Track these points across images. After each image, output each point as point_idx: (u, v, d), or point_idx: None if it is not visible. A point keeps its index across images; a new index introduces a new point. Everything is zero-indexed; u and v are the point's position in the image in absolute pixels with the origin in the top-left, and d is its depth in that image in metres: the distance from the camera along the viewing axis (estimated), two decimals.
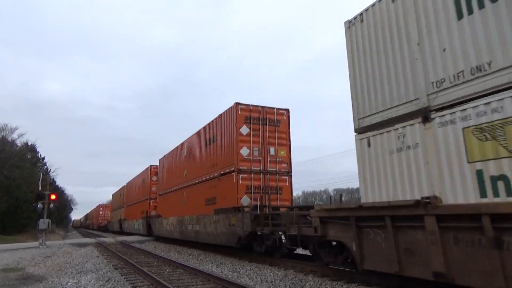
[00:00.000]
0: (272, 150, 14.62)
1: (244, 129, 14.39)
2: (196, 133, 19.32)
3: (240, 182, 13.91)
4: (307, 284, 8.26)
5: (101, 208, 66.89)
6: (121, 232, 40.00)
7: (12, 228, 37.93)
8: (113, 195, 54.09)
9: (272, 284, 8.43)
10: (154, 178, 29.04)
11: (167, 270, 11.12)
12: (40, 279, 10.24)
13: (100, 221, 64.76)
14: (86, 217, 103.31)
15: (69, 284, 9.21)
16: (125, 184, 41.65)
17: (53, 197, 24.74)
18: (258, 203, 12.90)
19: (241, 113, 14.51)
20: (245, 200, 13.82)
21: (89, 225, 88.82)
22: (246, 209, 13.19)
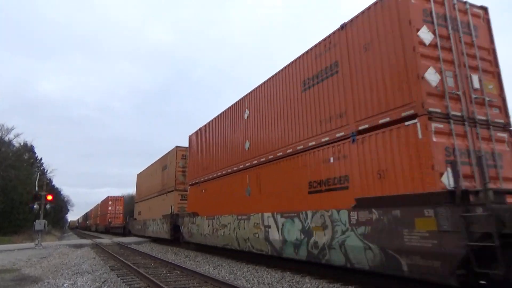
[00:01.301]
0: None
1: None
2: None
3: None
4: (304, 286, 8.26)
5: (110, 202, 49.35)
6: (172, 242, 21.74)
7: (8, 229, 37.69)
8: (140, 175, 33.56)
9: (270, 286, 8.41)
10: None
11: (164, 272, 11.08)
12: (36, 280, 10.18)
13: (109, 219, 48.16)
14: (86, 216, 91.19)
15: (65, 285, 9.16)
16: (196, 132, 19.43)
17: (49, 197, 24.56)
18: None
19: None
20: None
21: (89, 226, 75.88)
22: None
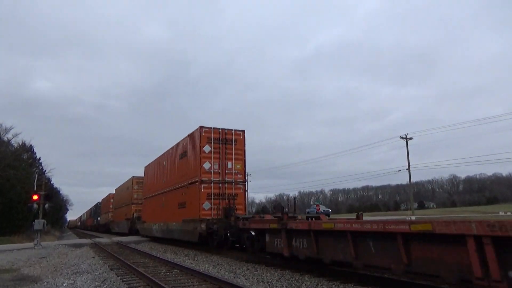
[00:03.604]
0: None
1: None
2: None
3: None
4: (304, 284, 8.27)
5: (204, 153, 16.86)
6: None
7: (6, 229, 37.61)
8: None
9: (269, 284, 8.42)
10: None
11: (163, 271, 11.09)
12: (35, 280, 10.18)
13: (229, 204, 16.23)
14: (94, 211, 66.84)
15: (64, 285, 9.15)
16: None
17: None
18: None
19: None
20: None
21: (103, 225, 52.54)
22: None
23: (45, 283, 9.50)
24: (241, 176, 17.67)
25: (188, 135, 18.95)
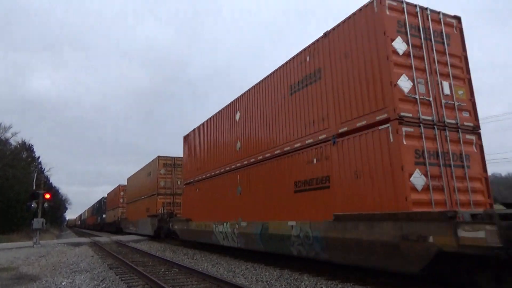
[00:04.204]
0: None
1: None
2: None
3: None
4: (303, 283, 8.27)
5: (395, 55, 7.89)
6: None
7: (5, 228, 37.60)
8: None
9: (268, 284, 8.42)
10: None
11: (162, 270, 11.08)
12: (34, 278, 10.17)
13: None
14: (98, 207, 56.92)
15: (63, 283, 9.15)
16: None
17: (47, 196, 24.45)
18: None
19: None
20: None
21: (114, 223, 41.88)
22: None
23: (44, 281, 9.49)
24: (468, 114, 8.22)
25: (327, 32, 9.39)
